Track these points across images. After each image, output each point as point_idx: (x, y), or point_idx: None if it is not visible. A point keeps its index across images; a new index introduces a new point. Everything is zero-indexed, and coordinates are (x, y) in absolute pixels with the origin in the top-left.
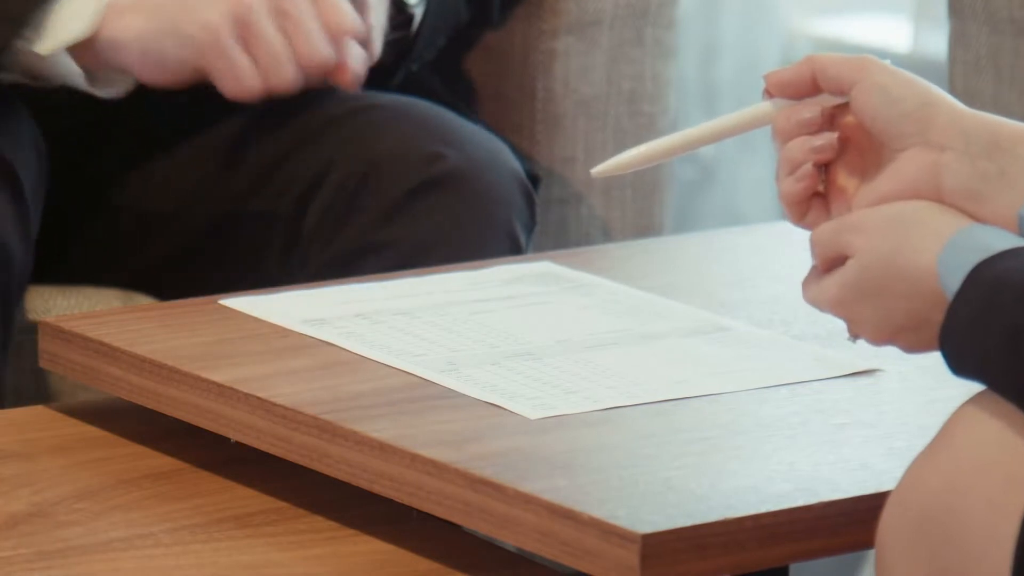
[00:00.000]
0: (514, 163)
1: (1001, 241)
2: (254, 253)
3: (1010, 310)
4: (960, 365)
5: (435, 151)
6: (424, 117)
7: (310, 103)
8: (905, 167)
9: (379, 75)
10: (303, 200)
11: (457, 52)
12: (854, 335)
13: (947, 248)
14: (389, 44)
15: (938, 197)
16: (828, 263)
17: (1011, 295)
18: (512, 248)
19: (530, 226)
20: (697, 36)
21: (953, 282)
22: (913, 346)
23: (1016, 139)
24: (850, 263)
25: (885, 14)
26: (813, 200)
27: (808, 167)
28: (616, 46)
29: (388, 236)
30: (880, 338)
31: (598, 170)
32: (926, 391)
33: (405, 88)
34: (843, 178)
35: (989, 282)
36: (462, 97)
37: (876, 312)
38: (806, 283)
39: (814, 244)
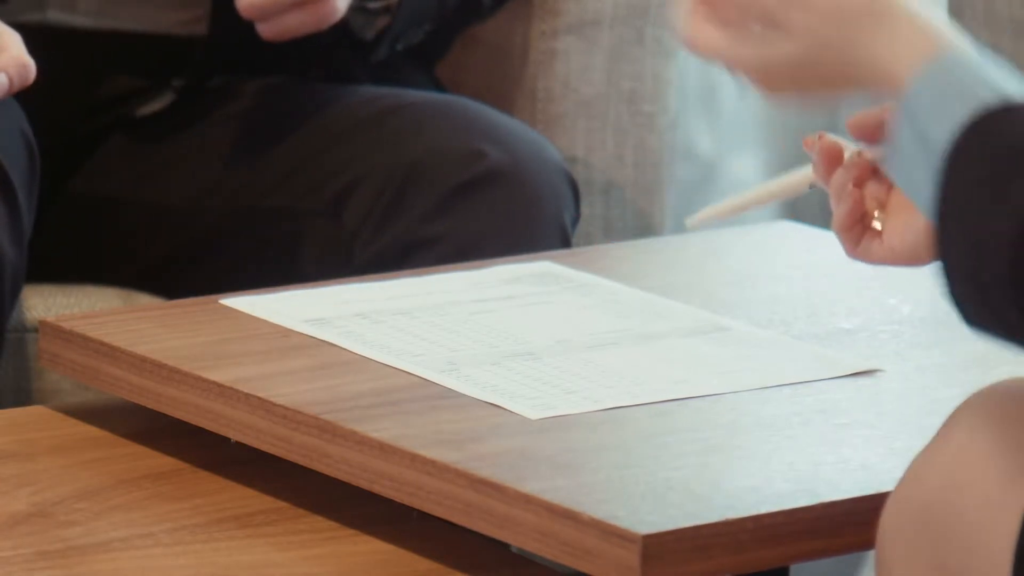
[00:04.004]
0: (557, 157)
1: (982, 85)
2: (284, 250)
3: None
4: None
5: (478, 148)
6: (463, 114)
7: (337, 104)
8: None
9: (361, 51)
10: (341, 198)
11: (444, 44)
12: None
13: (923, 79)
14: (371, 15)
15: None
16: (748, 18)
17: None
18: (562, 241)
19: (576, 219)
20: None
21: (931, 128)
22: (802, 104)
23: None
24: (783, 41)
25: None
26: (867, 230)
27: (848, 189)
28: (616, 46)
29: (438, 231)
30: (779, 97)
31: (695, 221)
32: (926, 391)
33: (386, 79)
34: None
35: (986, 161)
36: (440, 91)
37: (799, 89)
38: (698, 24)
39: None
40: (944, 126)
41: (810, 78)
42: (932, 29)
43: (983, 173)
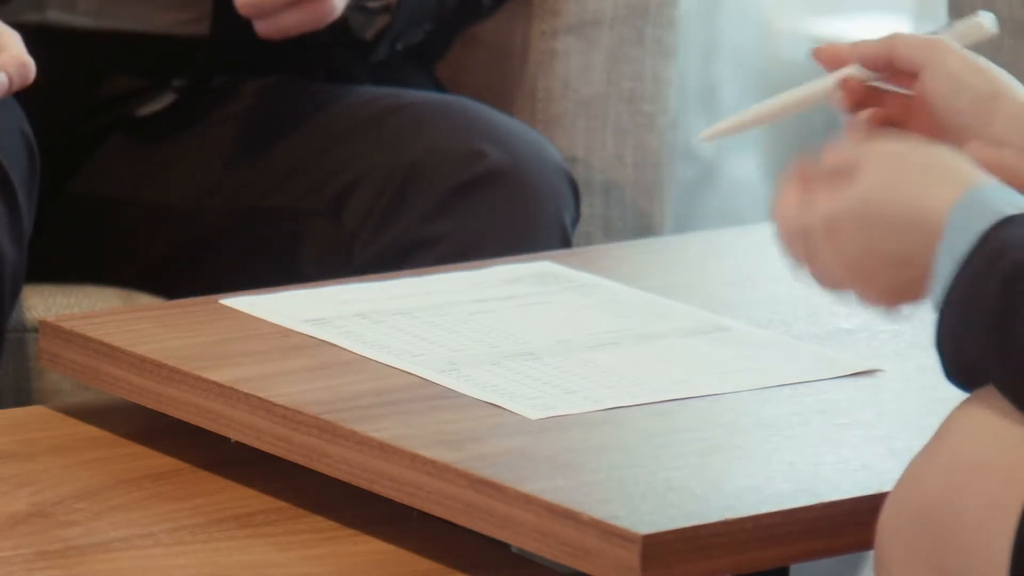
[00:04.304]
0: (557, 157)
1: (1008, 203)
2: (284, 250)
3: (996, 292)
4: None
5: (478, 148)
6: (463, 114)
7: (337, 104)
8: None
9: (360, 50)
10: (341, 198)
11: (444, 44)
12: (815, 276)
13: (959, 205)
14: (371, 14)
15: None
16: (830, 178)
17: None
18: (562, 241)
19: (576, 219)
20: (697, 36)
21: (959, 242)
22: (874, 292)
23: None
24: (854, 185)
25: (885, 14)
26: None
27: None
28: (616, 46)
29: (438, 231)
30: (848, 275)
31: (706, 134)
32: (926, 391)
33: (386, 79)
34: None
35: (989, 252)
36: (440, 91)
37: (862, 242)
38: (784, 200)
39: (829, 156)
40: (969, 238)
41: (873, 223)
42: (969, 171)
43: (984, 262)
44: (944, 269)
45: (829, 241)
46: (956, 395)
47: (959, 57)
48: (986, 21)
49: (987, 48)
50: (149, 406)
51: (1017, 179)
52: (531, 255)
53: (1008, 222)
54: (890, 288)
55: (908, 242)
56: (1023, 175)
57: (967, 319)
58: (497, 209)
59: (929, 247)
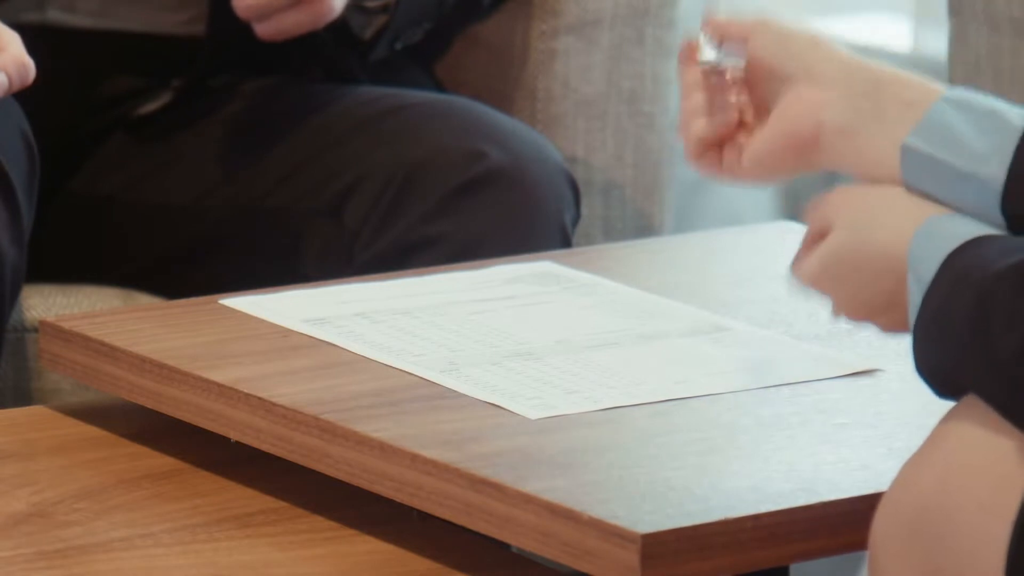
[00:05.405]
0: (557, 157)
1: (966, 228)
2: (284, 250)
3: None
4: (925, 356)
5: (478, 148)
6: (463, 114)
7: (337, 104)
8: (791, 106)
9: (359, 50)
10: (341, 198)
11: (443, 43)
12: (836, 313)
13: (917, 236)
14: (369, 14)
15: (817, 133)
16: (815, 236)
17: (973, 286)
18: (563, 241)
19: (576, 219)
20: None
21: (924, 269)
22: (886, 327)
23: (896, 80)
24: (828, 239)
25: (885, 14)
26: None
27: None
28: (616, 46)
29: (438, 231)
30: (855, 316)
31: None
32: (926, 391)
33: (386, 79)
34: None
35: (956, 271)
36: (440, 91)
37: (850, 290)
38: (796, 258)
39: (809, 216)
40: (933, 264)
41: (854, 265)
42: (925, 206)
43: (950, 283)
44: (915, 297)
45: (825, 292)
46: None
47: (782, 23)
48: None
49: (987, 48)
50: (149, 406)
51: (836, 115)
52: (531, 255)
53: (972, 244)
54: (896, 325)
55: (884, 291)
56: (841, 111)
57: (941, 335)
58: (497, 209)
59: (902, 289)
